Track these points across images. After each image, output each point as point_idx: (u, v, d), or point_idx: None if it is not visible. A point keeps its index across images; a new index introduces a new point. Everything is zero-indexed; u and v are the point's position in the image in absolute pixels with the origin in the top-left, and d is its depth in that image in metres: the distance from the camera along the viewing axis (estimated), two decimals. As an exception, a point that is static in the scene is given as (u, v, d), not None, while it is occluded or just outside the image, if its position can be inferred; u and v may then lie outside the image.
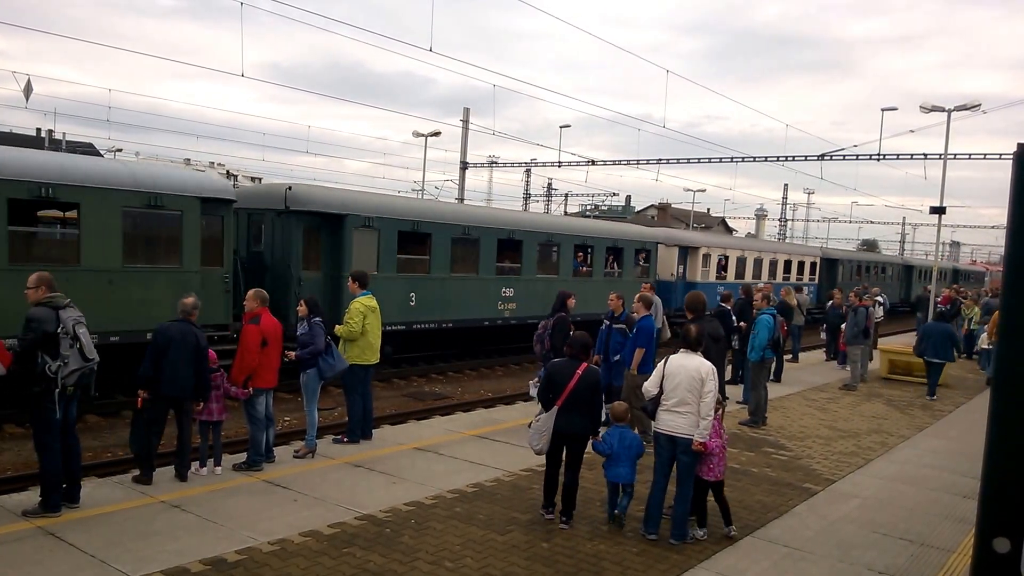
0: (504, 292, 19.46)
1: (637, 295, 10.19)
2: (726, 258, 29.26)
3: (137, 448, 7.28)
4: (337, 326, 9.02)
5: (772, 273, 31.77)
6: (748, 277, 29.21)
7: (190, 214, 12.92)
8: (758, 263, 31.22)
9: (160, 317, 9.35)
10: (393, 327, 15.72)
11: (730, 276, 28.72)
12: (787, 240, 72.89)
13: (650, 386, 6.53)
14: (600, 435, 6.82)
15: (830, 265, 37.29)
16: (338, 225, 15.60)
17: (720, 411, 6.61)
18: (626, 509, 6.82)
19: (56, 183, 11.32)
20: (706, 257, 27.94)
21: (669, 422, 6.38)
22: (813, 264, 36.11)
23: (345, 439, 9.02)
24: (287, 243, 15.15)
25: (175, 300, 7.84)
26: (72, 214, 12.12)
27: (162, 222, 12.83)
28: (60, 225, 13.64)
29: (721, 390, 7.69)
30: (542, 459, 7.52)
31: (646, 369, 9.23)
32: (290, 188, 15.51)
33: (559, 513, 6.73)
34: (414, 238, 17.24)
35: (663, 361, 6.55)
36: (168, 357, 7.04)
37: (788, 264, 33.66)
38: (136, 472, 7.28)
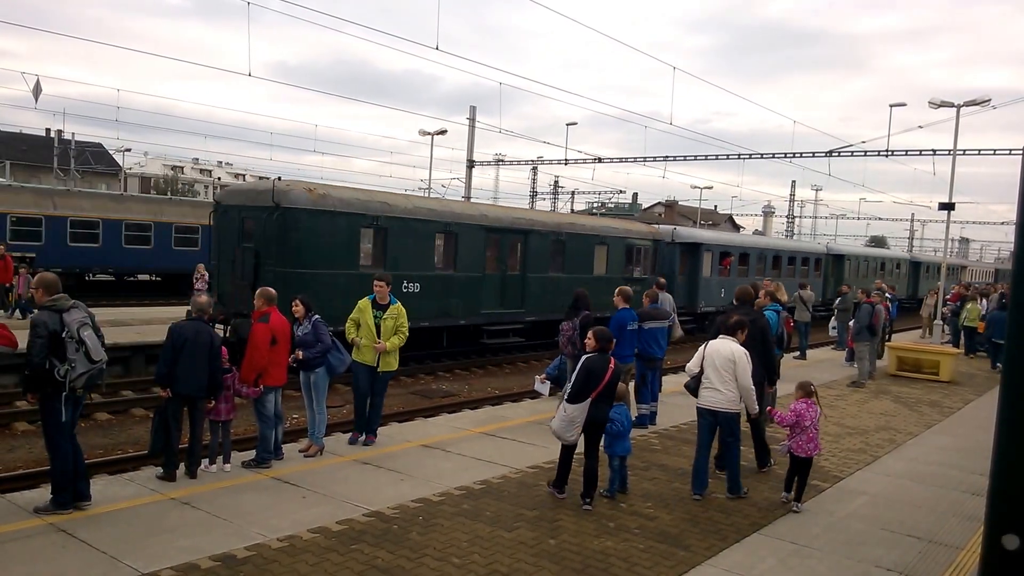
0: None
1: (618, 288, 10.51)
2: None
3: (157, 450, 7.29)
4: (394, 339, 8.66)
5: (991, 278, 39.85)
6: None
7: None
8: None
9: None
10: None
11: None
12: (795, 237, 72.66)
13: (692, 366, 7.46)
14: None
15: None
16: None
17: (814, 396, 7.32)
18: (625, 483, 7.49)
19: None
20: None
21: (709, 398, 7.30)
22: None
23: (374, 439, 8.96)
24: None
25: None
26: None
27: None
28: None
29: (773, 376, 8.50)
30: (549, 457, 7.60)
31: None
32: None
33: (581, 496, 7.06)
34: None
35: (704, 345, 7.46)
36: (183, 356, 7.10)
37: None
38: (160, 471, 7.31)
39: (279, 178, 15.58)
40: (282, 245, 14.74)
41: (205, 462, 7.61)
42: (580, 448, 7.14)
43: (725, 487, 7.59)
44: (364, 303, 8.82)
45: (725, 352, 7.23)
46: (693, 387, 7.43)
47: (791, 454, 7.26)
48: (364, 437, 8.91)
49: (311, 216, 14.87)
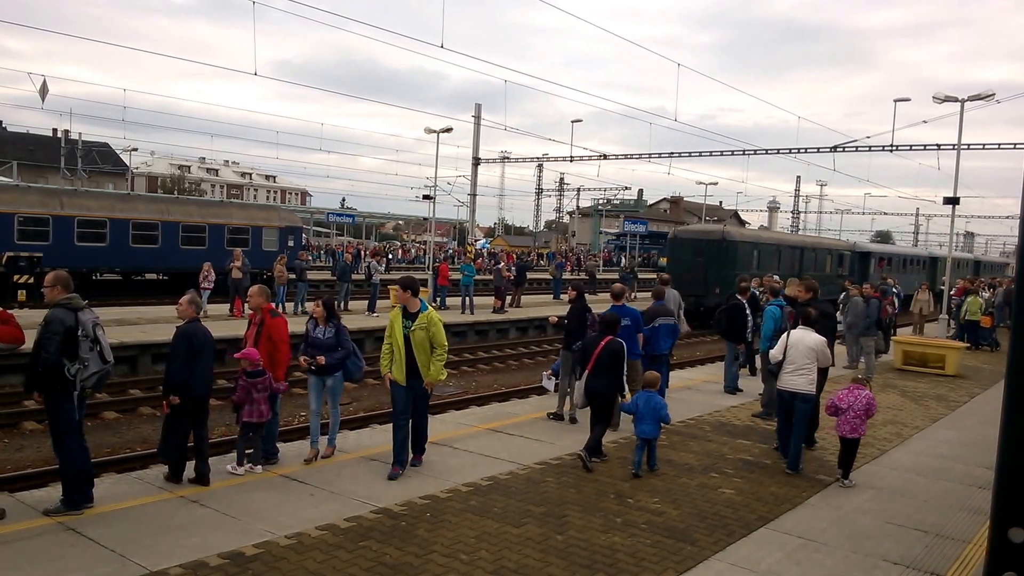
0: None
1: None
2: None
3: (171, 457, 7.20)
4: (432, 370, 7.48)
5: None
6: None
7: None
8: None
9: None
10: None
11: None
12: (801, 232, 72.52)
13: (777, 353, 8.39)
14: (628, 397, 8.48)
15: None
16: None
17: (868, 383, 8.06)
18: (640, 466, 7.92)
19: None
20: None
21: (790, 382, 8.21)
22: None
23: (420, 458, 8.05)
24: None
25: None
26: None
27: None
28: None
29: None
30: (555, 453, 7.75)
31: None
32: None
33: (586, 450, 8.08)
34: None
35: (786, 335, 8.39)
36: (201, 359, 7.05)
37: None
38: (167, 472, 7.26)
39: (724, 224, 28.81)
40: (724, 259, 27.16)
41: (249, 465, 7.56)
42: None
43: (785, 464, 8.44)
44: (395, 313, 7.59)
45: (808, 342, 8.18)
46: (775, 372, 8.42)
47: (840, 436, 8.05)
48: (413, 457, 7.97)
49: (739, 244, 28.49)
